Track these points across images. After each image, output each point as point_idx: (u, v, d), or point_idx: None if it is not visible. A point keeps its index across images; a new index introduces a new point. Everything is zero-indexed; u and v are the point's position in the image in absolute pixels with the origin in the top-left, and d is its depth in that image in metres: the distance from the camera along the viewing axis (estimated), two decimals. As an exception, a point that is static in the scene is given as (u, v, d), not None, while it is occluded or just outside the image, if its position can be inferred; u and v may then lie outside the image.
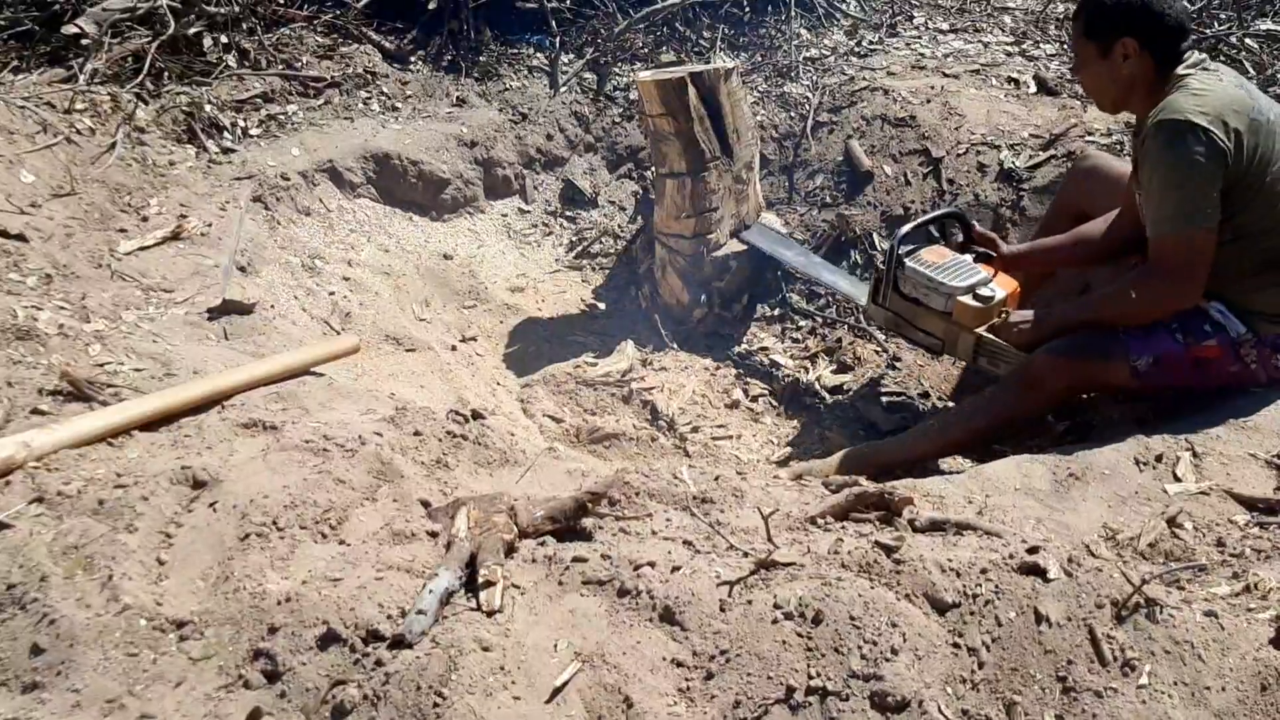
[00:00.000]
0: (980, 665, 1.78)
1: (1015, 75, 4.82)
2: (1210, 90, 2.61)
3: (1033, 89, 4.70)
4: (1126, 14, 2.70)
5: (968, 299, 3.10)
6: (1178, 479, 2.46)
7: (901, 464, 3.03)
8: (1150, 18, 2.68)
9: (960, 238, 3.37)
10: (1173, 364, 2.74)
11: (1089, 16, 2.78)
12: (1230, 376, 2.77)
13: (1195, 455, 2.54)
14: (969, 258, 3.25)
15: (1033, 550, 1.96)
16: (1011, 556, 1.95)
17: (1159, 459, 2.52)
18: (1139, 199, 2.79)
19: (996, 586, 1.87)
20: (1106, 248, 3.15)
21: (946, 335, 3.20)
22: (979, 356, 3.13)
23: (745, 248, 4.07)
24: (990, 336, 3.08)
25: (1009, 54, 5.07)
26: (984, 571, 1.90)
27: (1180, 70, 2.69)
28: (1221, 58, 4.78)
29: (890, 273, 3.30)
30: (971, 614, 1.84)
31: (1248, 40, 4.74)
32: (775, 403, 3.71)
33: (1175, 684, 1.77)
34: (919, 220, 3.43)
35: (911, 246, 3.32)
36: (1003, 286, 3.15)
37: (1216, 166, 2.55)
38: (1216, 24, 4.99)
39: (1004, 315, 3.09)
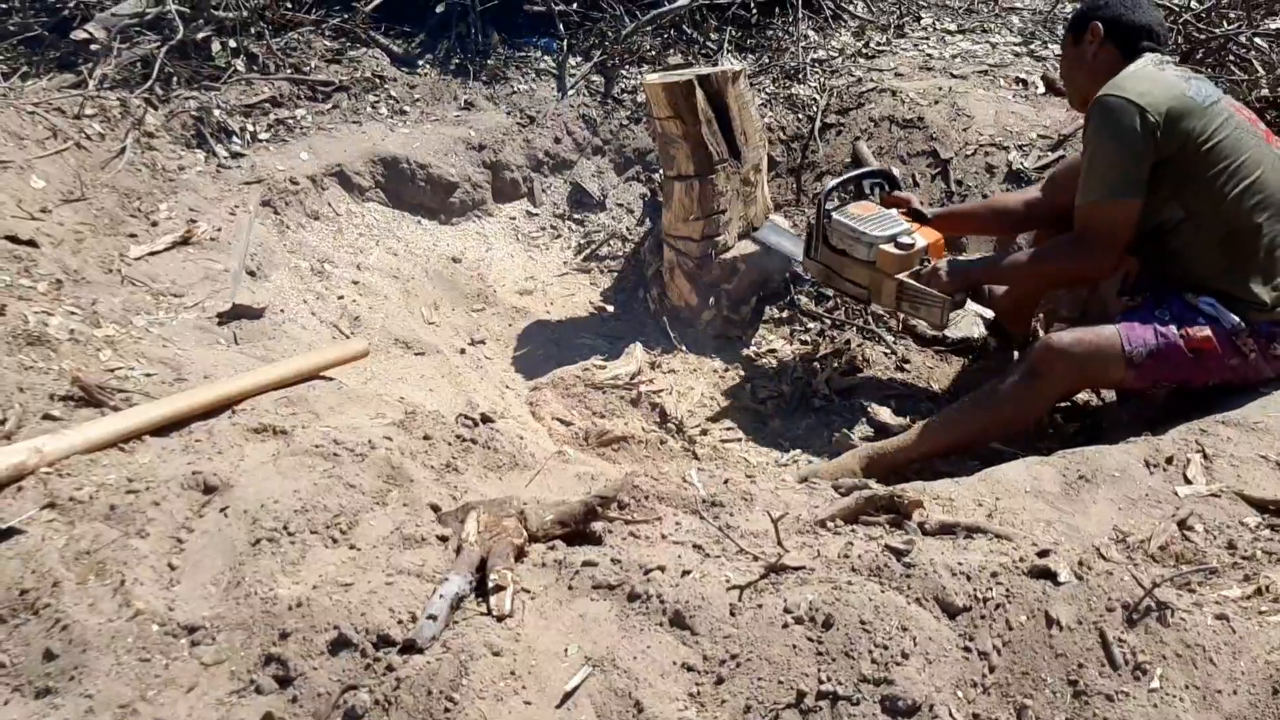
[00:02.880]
0: (991, 669, 1.78)
1: (1023, 76, 4.82)
2: (1146, 74, 2.80)
3: (1041, 90, 4.69)
4: (1099, 4, 2.98)
5: (889, 247, 3.29)
6: (1188, 481, 2.45)
7: (908, 464, 3.02)
8: (1118, 9, 2.94)
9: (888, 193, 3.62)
10: (1169, 354, 2.76)
11: (1076, 13, 3.08)
12: (1231, 371, 2.77)
13: (1205, 457, 2.53)
14: (894, 211, 3.45)
15: (1043, 553, 1.96)
16: (1022, 560, 1.95)
17: (1169, 461, 2.52)
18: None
19: (1007, 590, 1.87)
20: (1017, 217, 3.47)
21: (871, 283, 3.38)
22: (901, 302, 3.30)
23: (754, 250, 4.06)
24: (911, 281, 3.24)
25: (1017, 54, 5.07)
26: (994, 575, 1.90)
27: (1136, 63, 2.87)
28: (1231, 58, 4.77)
29: (819, 226, 3.51)
30: (982, 618, 1.84)
31: (1257, 40, 4.72)
32: (784, 405, 3.70)
33: (1187, 687, 1.77)
34: (845, 176, 3.72)
35: (839, 203, 3.55)
36: (924, 237, 3.32)
37: (1145, 142, 2.71)
38: (1226, 23, 4.98)
39: (925, 263, 3.27)
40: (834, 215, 3.44)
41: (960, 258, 3.44)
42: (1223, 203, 2.75)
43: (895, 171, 3.84)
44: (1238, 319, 2.75)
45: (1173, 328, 2.76)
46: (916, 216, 3.45)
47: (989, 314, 3.76)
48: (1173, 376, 2.80)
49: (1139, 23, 2.92)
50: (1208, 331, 2.75)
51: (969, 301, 3.83)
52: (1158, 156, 2.73)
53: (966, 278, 3.23)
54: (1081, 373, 2.90)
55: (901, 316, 3.63)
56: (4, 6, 4.62)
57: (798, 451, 3.42)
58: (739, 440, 3.53)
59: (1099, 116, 2.77)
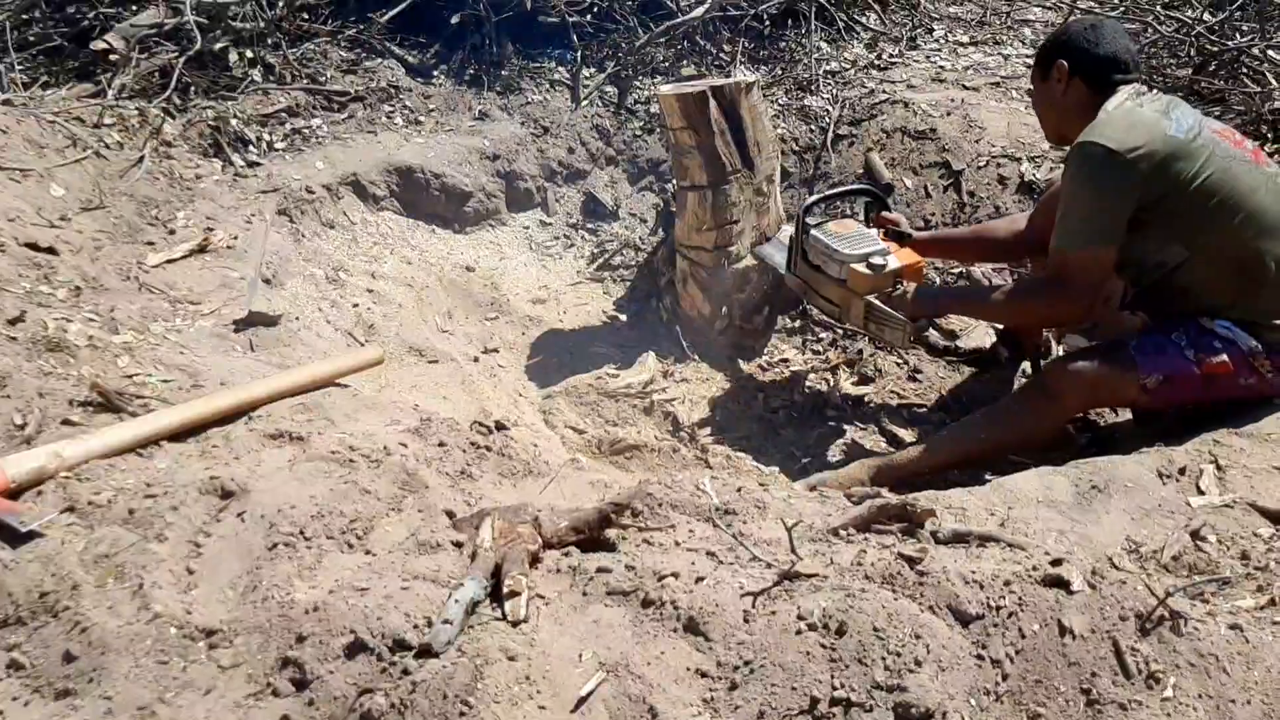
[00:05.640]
0: (1004, 677, 1.78)
1: (1036, 87, 4.82)
2: (1128, 117, 2.71)
3: (1053, 101, 4.69)
4: (1062, 41, 2.93)
5: (861, 266, 3.26)
6: (1201, 491, 2.46)
7: (917, 475, 3.03)
8: (1080, 44, 2.87)
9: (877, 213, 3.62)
10: (1183, 381, 2.75)
11: (1040, 49, 3.02)
12: (1245, 389, 2.77)
13: (1218, 468, 2.53)
14: (874, 231, 3.45)
15: (1056, 562, 1.96)
16: (1035, 569, 1.96)
17: (1182, 471, 2.52)
18: None
19: (1020, 598, 1.88)
20: (1005, 246, 3.47)
21: (841, 301, 3.37)
22: (869, 322, 3.28)
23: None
24: (878, 304, 3.21)
25: (1029, 66, 5.05)
26: (1007, 584, 1.90)
27: (1113, 100, 2.80)
28: (1244, 70, 4.77)
29: (798, 240, 3.51)
30: (995, 626, 1.84)
31: (1270, 52, 4.72)
32: (796, 414, 3.71)
33: (1200, 697, 1.77)
34: (826, 192, 3.75)
35: (824, 219, 3.57)
36: (900, 259, 3.30)
37: (1126, 189, 2.64)
38: (1239, 35, 4.98)
39: (898, 286, 3.26)
40: (812, 231, 3.44)
41: (928, 286, 3.41)
42: (1224, 237, 2.71)
43: (890, 186, 3.83)
44: (1255, 342, 2.73)
45: (1189, 353, 2.74)
46: (899, 238, 3.45)
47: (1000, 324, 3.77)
48: (1186, 398, 2.80)
49: (1105, 55, 2.83)
50: (1224, 358, 2.73)
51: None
52: (1145, 200, 2.66)
53: (933, 305, 3.23)
54: (1094, 396, 2.93)
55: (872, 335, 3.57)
56: (24, 17, 4.66)
57: (809, 461, 3.43)
58: (751, 450, 3.54)
59: (1078, 164, 2.70)
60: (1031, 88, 3.09)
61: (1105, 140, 2.64)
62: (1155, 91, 2.87)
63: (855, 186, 3.79)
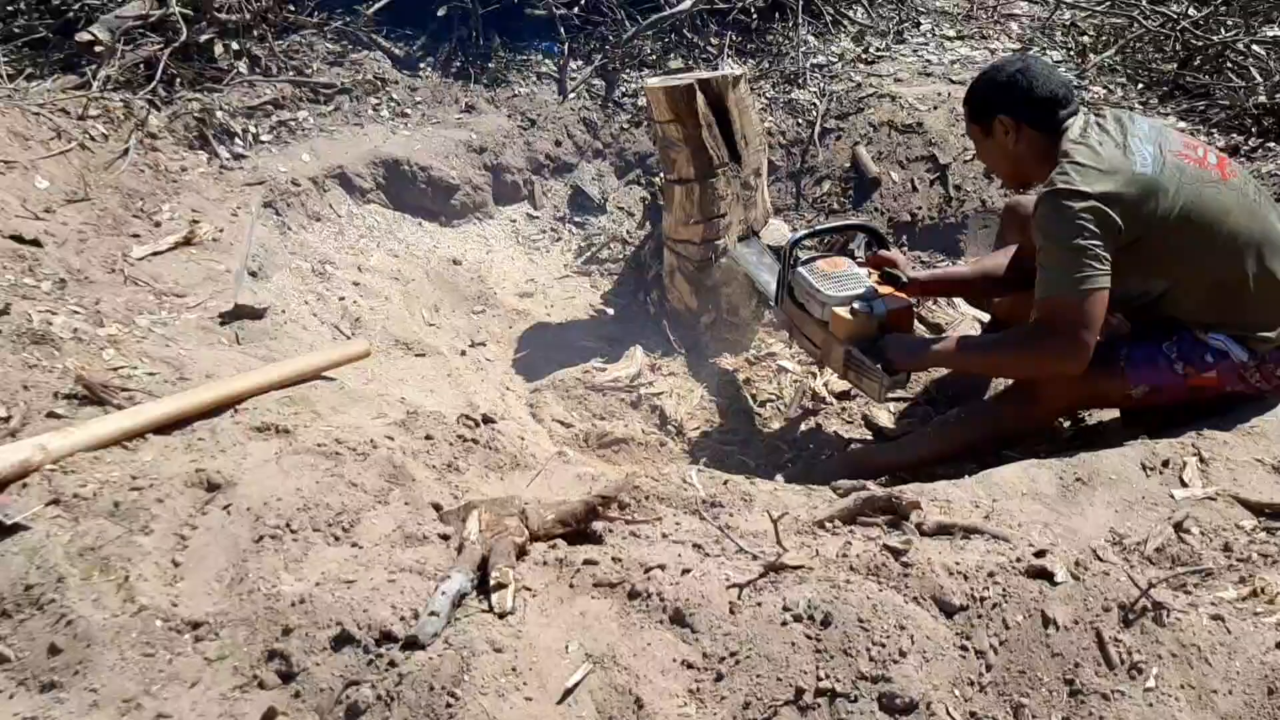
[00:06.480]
0: (988, 668, 1.79)
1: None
2: (1092, 159, 2.61)
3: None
4: (996, 93, 2.81)
5: (843, 311, 3.03)
6: (1184, 484, 2.47)
7: (900, 469, 3.03)
8: (1017, 93, 2.76)
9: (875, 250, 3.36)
10: (1170, 390, 2.75)
11: (969, 101, 2.91)
12: (1229, 394, 2.77)
13: (1202, 460, 2.54)
14: (864, 272, 3.19)
15: (1040, 554, 1.97)
16: (1019, 560, 1.97)
17: (1166, 464, 2.53)
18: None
19: (1004, 590, 1.89)
20: (1008, 280, 3.23)
21: (823, 345, 3.17)
22: (848, 370, 3.08)
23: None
24: (858, 354, 3.03)
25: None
26: (991, 575, 1.91)
27: (1069, 138, 2.70)
28: (1229, 65, 4.79)
29: (784, 275, 3.32)
30: (979, 617, 1.86)
31: (1255, 47, 4.75)
32: (782, 408, 3.72)
33: (1182, 687, 1.78)
34: (817, 228, 3.51)
35: (817, 253, 3.35)
36: (888, 304, 3.05)
37: (1103, 231, 2.56)
38: (1224, 30, 5.01)
39: (884, 334, 3.03)
40: (799, 268, 3.21)
41: (923, 335, 3.18)
42: (1204, 263, 2.67)
43: (875, 226, 3.53)
44: (1246, 355, 2.71)
45: (1179, 366, 2.72)
46: (893, 280, 3.16)
47: (985, 317, 3.78)
48: (1171, 403, 2.80)
49: (1044, 97, 2.73)
50: (1214, 373, 2.71)
51: (965, 304, 3.85)
52: (1122, 242, 2.59)
53: (916, 359, 3.00)
54: (1079, 401, 2.94)
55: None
56: (10, 9, 4.64)
57: (795, 454, 3.44)
58: (737, 443, 3.54)
59: (1053, 215, 2.60)
60: (973, 143, 2.99)
61: (1075, 186, 2.56)
62: (1101, 113, 2.79)
63: (852, 223, 3.53)
